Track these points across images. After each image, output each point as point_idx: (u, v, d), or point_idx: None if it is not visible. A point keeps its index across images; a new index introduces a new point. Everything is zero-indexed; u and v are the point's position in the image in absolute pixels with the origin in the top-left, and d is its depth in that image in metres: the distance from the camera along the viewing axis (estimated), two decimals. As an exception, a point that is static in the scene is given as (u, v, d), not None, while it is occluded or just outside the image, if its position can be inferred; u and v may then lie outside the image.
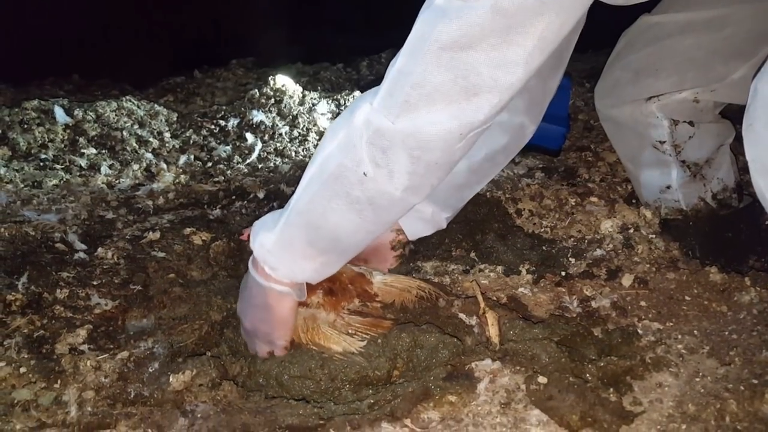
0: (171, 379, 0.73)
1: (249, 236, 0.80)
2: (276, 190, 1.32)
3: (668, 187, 1.07)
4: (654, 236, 1.07)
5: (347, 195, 0.69)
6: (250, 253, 0.79)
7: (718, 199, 1.08)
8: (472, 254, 1.03)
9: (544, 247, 1.07)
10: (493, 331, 0.78)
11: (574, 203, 1.21)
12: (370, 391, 0.74)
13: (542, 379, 0.70)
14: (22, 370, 0.78)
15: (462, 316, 0.83)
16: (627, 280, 0.94)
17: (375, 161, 0.66)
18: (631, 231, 1.09)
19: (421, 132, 0.64)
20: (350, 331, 0.80)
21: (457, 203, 1.02)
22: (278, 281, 0.75)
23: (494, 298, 0.91)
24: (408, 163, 0.66)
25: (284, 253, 0.74)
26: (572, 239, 1.10)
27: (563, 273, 0.98)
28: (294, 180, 1.33)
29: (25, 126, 1.45)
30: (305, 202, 0.71)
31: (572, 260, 1.02)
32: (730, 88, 0.96)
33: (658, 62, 1.00)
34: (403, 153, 0.65)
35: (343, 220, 0.71)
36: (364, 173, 0.67)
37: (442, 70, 0.60)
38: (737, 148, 1.15)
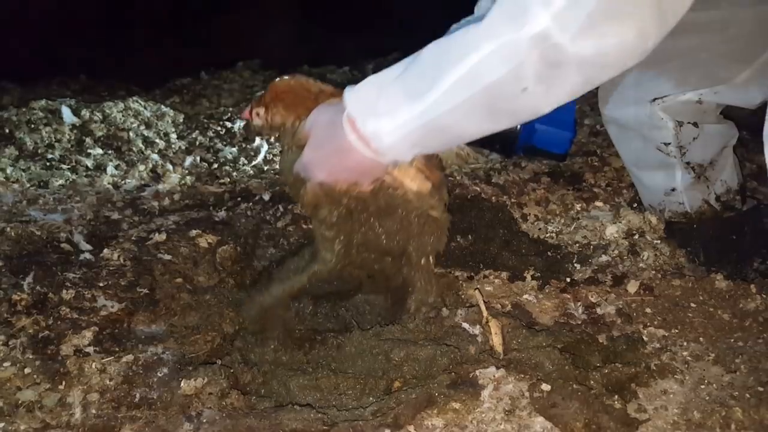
0: (182, 384, 0.74)
1: (250, 114, 0.81)
2: (281, 192, 1.32)
3: (673, 190, 1.07)
4: (659, 242, 1.07)
5: (494, 106, 0.65)
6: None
7: (721, 201, 1.07)
8: (477, 260, 1.03)
9: (549, 253, 1.07)
10: (496, 340, 0.78)
11: (579, 208, 1.21)
12: (372, 399, 0.74)
13: (546, 387, 0.70)
14: (27, 370, 0.78)
15: (465, 325, 0.83)
16: (632, 286, 0.94)
17: (539, 76, 0.61)
18: (637, 237, 1.09)
19: (601, 52, 0.59)
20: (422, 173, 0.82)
21: None
22: (381, 156, 0.74)
23: (499, 305, 0.91)
24: (575, 83, 0.62)
25: (399, 143, 0.71)
26: (577, 245, 1.09)
27: (568, 279, 0.98)
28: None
29: (32, 126, 1.46)
30: (445, 109, 0.66)
31: (577, 266, 1.02)
32: (733, 90, 0.96)
33: (661, 64, 1.00)
34: (574, 72, 0.61)
35: (477, 127, 0.69)
36: (523, 88, 0.62)
37: None
38: (740, 150, 1.16)
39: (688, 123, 1.02)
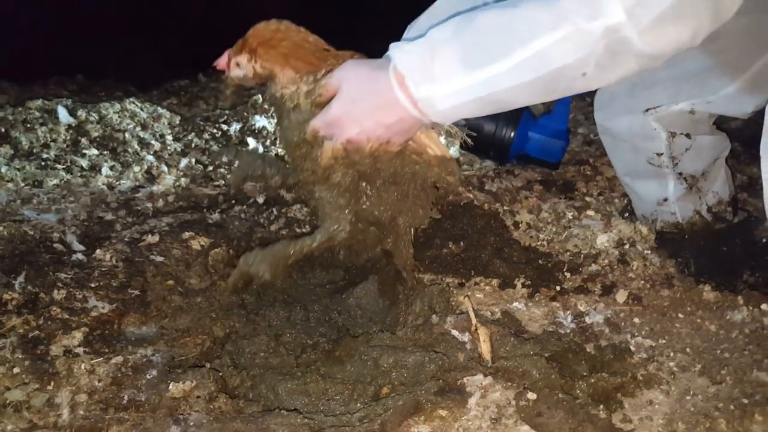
0: (171, 387, 0.74)
1: (228, 64, 0.77)
2: (276, 195, 1.32)
3: (665, 200, 1.07)
4: (649, 252, 1.08)
5: (552, 87, 0.69)
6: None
7: (713, 212, 1.08)
8: (468, 267, 1.04)
9: (540, 261, 1.07)
10: (485, 348, 0.78)
11: (571, 217, 1.22)
12: (359, 405, 0.74)
13: (532, 395, 0.71)
14: (16, 370, 0.78)
15: (455, 332, 0.83)
16: (621, 296, 0.95)
17: (599, 63, 0.65)
18: (627, 246, 1.10)
19: (662, 47, 0.64)
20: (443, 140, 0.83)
21: None
22: (425, 117, 0.74)
23: (488, 313, 0.91)
24: (629, 69, 0.66)
25: (450, 110, 0.72)
26: (568, 253, 1.10)
27: (558, 288, 0.98)
28: (295, 186, 1.32)
29: (28, 125, 1.46)
30: (505, 86, 0.68)
31: (568, 275, 1.03)
32: (726, 100, 0.97)
33: (654, 75, 1.01)
34: (632, 61, 0.65)
35: (527, 101, 0.72)
36: (583, 73, 0.66)
37: None
38: (731, 161, 1.17)
39: (681, 134, 1.02)
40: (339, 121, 0.77)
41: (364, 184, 0.84)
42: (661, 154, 1.04)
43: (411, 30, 0.93)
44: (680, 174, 1.06)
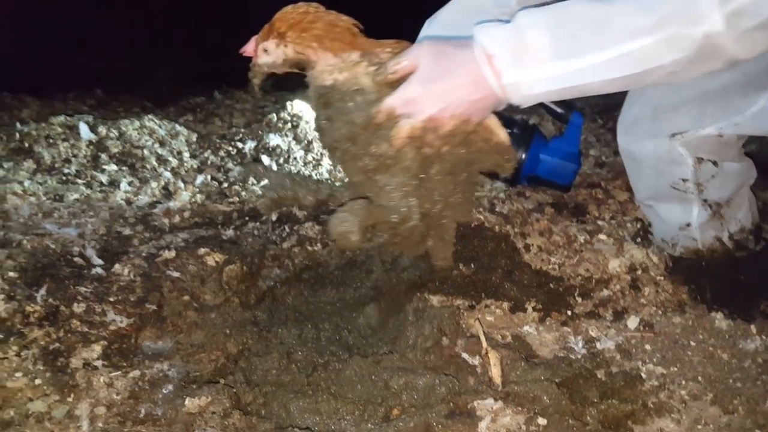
0: (186, 402, 0.76)
1: (255, 51, 0.75)
2: (288, 213, 1.35)
3: (688, 225, 1.06)
4: (662, 278, 1.09)
5: (640, 82, 0.71)
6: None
7: (735, 239, 1.07)
8: (479, 289, 1.06)
9: (551, 285, 1.09)
10: (495, 372, 0.80)
11: (583, 240, 1.23)
12: (370, 425, 0.76)
13: (542, 421, 0.72)
14: (38, 381, 0.81)
15: (465, 355, 0.85)
16: (633, 322, 0.96)
17: (690, 64, 0.67)
18: (639, 272, 1.11)
19: (753, 52, 0.67)
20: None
21: None
22: (508, 97, 0.75)
23: (499, 336, 0.93)
24: (714, 68, 0.68)
25: (535, 96, 0.74)
26: (580, 278, 1.11)
27: (569, 312, 1.00)
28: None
29: (51, 141, 1.51)
30: (595, 79, 0.70)
31: (579, 299, 1.04)
32: (752, 120, 0.95)
33: (676, 97, 1.00)
34: (719, 63, 0.68)
35: (611, 91, 0.73)
36: (672, 72, 0.68)
37: None
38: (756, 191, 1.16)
39: (708, 160, 1.01)
40: (420, 99, 0.76)
41: (429, 170, 0.82)
42: (687, 180, 1.03)
43: (432, 24, 0.95)
44: (705, 200, 1.05)
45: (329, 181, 1.47)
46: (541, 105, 1.16)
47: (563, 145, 1.39)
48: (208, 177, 1.52)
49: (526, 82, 0.72)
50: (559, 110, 1.30)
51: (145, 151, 1.54)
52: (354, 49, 0.79)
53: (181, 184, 1.46)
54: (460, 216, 0.89)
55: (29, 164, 1.42)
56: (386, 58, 0.79)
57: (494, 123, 0.82)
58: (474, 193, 0.90)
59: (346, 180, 0.94)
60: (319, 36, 0.77)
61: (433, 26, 0.95)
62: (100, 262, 1.10)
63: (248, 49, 0.83)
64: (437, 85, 0.75)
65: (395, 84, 0.77)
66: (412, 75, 0.76)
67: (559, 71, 0.71)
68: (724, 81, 0.95)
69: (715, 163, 1.02)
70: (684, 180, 1.03)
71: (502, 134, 0.83)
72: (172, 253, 1.13)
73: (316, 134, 1.67)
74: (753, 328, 0.91)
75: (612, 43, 0.68)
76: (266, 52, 0.79)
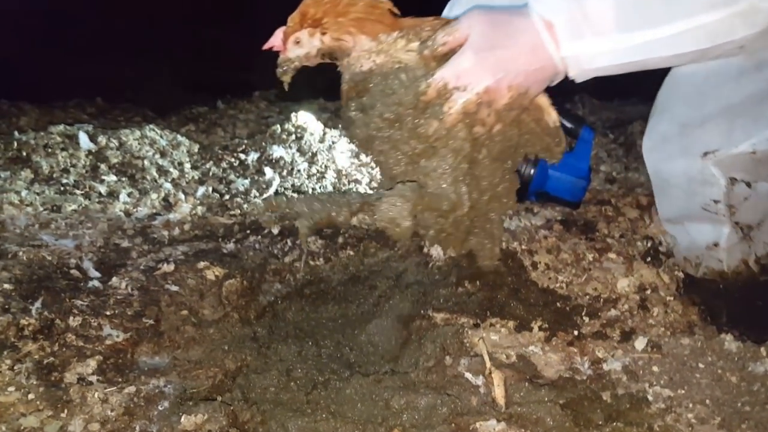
0: (182, 419, 0.77)
1: (284, 43, 0.72)
2: (290, 226, 1.37)
3: (715, 245, 1.05)
4: (671, 298, 1.09)
5: (704, 56, 0.71)
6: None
7: (761, 263, 1.06)
8: (484, 307, 1.06)
9: (558, 304, 1.09)
10: (498, 392, 0.81)
11: (591, 258, 1.24)
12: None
13: (546, 443, 0.73)
14: (31, 396, 0.82)
15: (468, 375, 0.86)
16: (640, 343, 0.96)
17: (761, 37, 0.68)
18: (649, 292, 1.11)
19: None
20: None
21: None
22: (565, 70, 0.74)
23: (504, 356, 0.93)
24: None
25: (595, 70, 0.73)
26: (588, 297, 1.12)
27: (576, 332, 1.00)
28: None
29: (49, 150, 1.54)
30: (662, 54, 0.69)
31: (586, 319, 1.05)
32: None
33: (701, 112, 0.99)
34: None
35: (674, 65, 0.75)
36: (741, 47, 0.69)
37: None
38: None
39: (741, 181, 1.00)
40: (475, 69, 0.73)
41: (478, 153, 0.79)
42: (719, 201, 1.01)
43: (455, 6, 0.94)
44: (737, 223, 1.04)
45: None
46: None
47: (573, 161, 1.41)
48: (210, 189, 1.54)
49: (586, 55, 0.70)
50: (568, 125, 1.32)
51: (146, 162, 1.56)
52: (396, 30, 0.76)
53: (182, 196, 1.48)
54: (506, 208, 0.87)
55: (27, 174, 1.45)
56: (427, 35, 0.76)
57: (546, 102, 0.81)
58: (515, 186, 0.85)
59: (380, 179, 0.92)
60: (360, 19, 0.75)
61: (456, 8, 0.93)
62: (97, 274, 1.12)
63: (275, 42, 0.79)
64: (493, 54, 0.72)
65: (443, 58, 0.74)
66: (464, 45, 0.73)
67: (624, 44, 0.69)
68: (749, 92, 0.93)
69: (748, 184, 1.00)
70: (716, 201, 1.01)
71: (553, 114, 0.82)
72: (171, 267, 1.15)
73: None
74: (763, 351, 0.91)
75: (683, 16, 0.66)
76: (298, 44, 0.77)
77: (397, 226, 0.79)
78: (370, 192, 0.96)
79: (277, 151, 1.68)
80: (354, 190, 1.54)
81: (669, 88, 1.04)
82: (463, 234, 0.87)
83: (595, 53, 0.70)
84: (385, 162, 0.83)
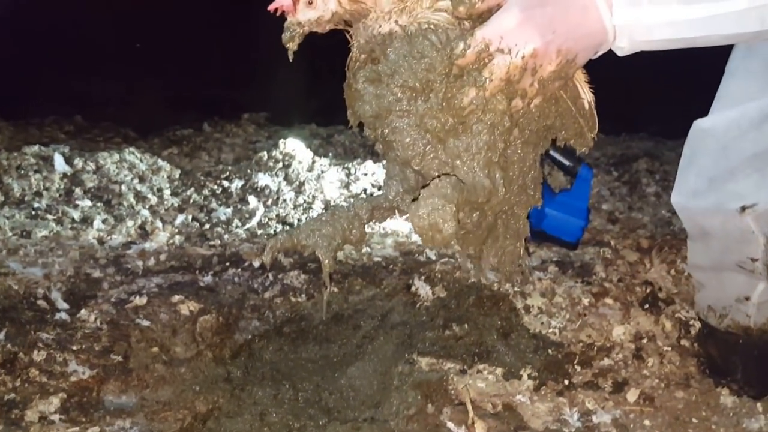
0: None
1: (294, 5, 0.69)
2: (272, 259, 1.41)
3: (747, 299, 1.05)
4: (668, 348, 1.13)
5: (762, 38, 0.71)
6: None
7: None
8: (472, 352, 1.10)
9: (549, 351, 1.13)
10: (477, 443, 0.83)
11: (587, 303, 1.28)
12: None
13: (526, 498, 0.75)
14: (-12, 435, 0.85)
15: (450, 425, 0.88)
16: (632, 395, 0.99)
17: None
18: (645, 341, 1.15)
19: None
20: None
21: None
22: (615, 40, 0.72)
23: (489, 405, 0.96)
24: None
25: (649, 43, 0.71)
26: (581, 344, 1.16)
27: (566, 381, 1.03)
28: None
29: (22, 171, 1.59)
30: (723, 33, 0.69)
31: (578, 368, 1.08)
32: None
33: (729, 164, 1.00)
34: None
35: (731, 42, 0.76)
36: None
37: None
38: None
39: None
40: (521, 29, 0.68)
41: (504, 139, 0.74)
42: (756, 260, 1.00)
43: None
44: None
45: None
46: (547, 155, 1.21)
47: (571, 200, 1.44)
48: (189, 217, 1.58)
49: (642, 25, 0.68)
50: (566, 162, 1.37)
51: (123, 187, 1.61)
52: None
53: (159, 224, 1.52)
54: (533, 202, 0.84)
55: (-3, 196, 1.50)
56: None
57: (582, 78, 0.79)
58: (542, 178, 0.83)
59: (388, 172, 0.87)
60: None
61: None
62: (65, 306, 1.15)
63: (283, 2, 0.75)
64: (543, 11, 0.68)
65: (480, 17, 0.71)
66: (508, 1, 0.70)
67: (686, 17, 0.67)
68: None
69: None
70: (753, 260, 1.01)
71: (589, 94, 0.79)
72: (144, 300, 1.18)
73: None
74: (759, 407, 0.94)
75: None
76: (311, 5, 0.73)
77: (438, 232, 0.70)
78: (377, 194, 0.91)
79: (262, 179, 1.73)
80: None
81: (694, 141, 1.06)
82: (485, 231, 0.82)
83: (652, 24, 0.68)
84: (398, 143, 0.78)
